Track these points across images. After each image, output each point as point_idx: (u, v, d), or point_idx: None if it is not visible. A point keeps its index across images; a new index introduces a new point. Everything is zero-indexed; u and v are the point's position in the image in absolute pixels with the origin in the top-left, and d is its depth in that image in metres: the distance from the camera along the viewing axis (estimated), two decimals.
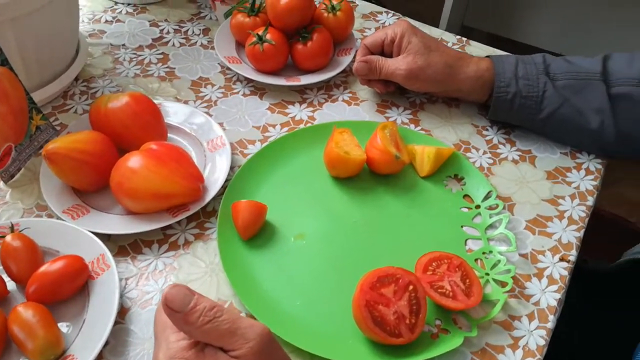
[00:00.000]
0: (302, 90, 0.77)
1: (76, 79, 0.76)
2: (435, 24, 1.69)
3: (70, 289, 0.51)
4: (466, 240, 0.60)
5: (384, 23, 0.89)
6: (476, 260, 0.59)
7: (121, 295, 0.53)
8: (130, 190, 0.56)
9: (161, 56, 0.81)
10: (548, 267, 0.59)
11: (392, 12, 0.92)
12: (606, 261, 0.75)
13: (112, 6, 0.89)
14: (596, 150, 0.69)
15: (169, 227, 0.59)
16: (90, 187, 0.60)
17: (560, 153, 0.70)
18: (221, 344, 0.35)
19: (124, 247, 0.58)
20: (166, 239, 0.59)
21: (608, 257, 0.78)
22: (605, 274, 0.71)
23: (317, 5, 0.79)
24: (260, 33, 0.73)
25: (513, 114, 0.68)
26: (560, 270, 0.59)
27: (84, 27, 0.84)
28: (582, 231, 0.63)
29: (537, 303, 0.56)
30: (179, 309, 0.34)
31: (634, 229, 1.25)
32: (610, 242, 0.84)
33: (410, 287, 0.51)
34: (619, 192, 1.82)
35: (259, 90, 0.76)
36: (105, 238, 0.57)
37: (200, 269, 0.57)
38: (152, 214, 0.58)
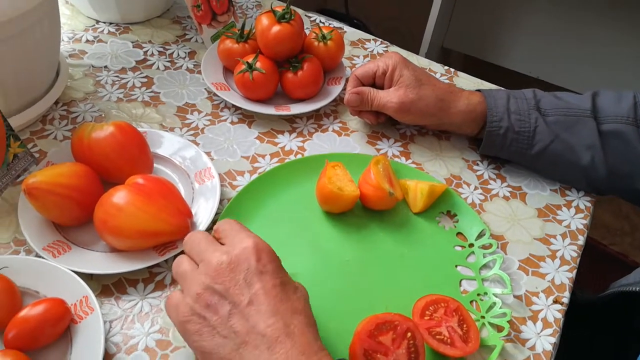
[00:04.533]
0: (291, 119, 0.75)
1: (56, 102, 0.72)
2: (416, 44, 1.71)
3: (52, 335, 0.48)
4: (461, 281, 0.60)
5: (372, 51, 0.89)
6: (471, 302, 0.58)
7: (106, 340, 0.50)
8: (115, 228, 0.53)
9: (145, 80, 0.78)
10: (542, 309, 0.58)
11: (380, 40, 0.91)
12: (589, 290, 0.76)
13: (94, 25, 0.86)
14: (586, 186, 0.70)
15: (156, 265, 0.57)
16: (73, 222, 0.57)
17: (550, 190, 0.70)
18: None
19: (107, 286, 0.55)
20: (152, 277, 0.56)
21: (583, 281, 0.78)
22: (592, 305, 0.71)
23: (308, 34, 0.78)
24: (250, 61, 0.71)
25: (505, 148, 0.68)
26: (555, 313, 0.58)
27: (64, 46, 0.81)
28: (575, 272, 0.63)
29: (532, 348, 0.55)
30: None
31: (608, 252, 1.27)
32: (586, 265, 0.85)
33: (409, 334, 0.49)
34: (593, 215, 1.86)
35: (248, 118, 0.74)
36: (88, 277, 0.54)
37: None
38: (138, 251, 0.55)
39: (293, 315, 0.42)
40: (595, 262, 1.07)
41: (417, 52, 1.73)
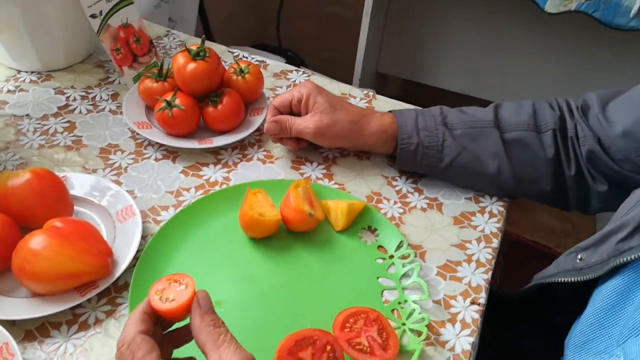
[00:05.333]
0: (216, 151, 0.77)
1: None
2: (350, 72, 1.77)
3: None
4: (382, 292, 0.62)
5: (294, 81, 0.92)
6: (392, 310, 0.60)
7: None
8: (34, 273, 0.54)
9: (67, 124, 0.79)
10: (460, 311, 0.61)
11: (303, 69, 0.95)
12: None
13: (15, 75, 0.87)
14: (497, 192, 0.74)
15: (79, 306, 0.57)
16: None
17: (465, 198, 0.74)
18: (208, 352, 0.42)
19: (30, 331, 0.55)
20: (75, 318, 0.57)
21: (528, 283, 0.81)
22: (514, 299, 0.74)
23: (227, 69, 0.80)
24: (168, 99, 0.73)
25: (417, 163, 0.72)
26: (472, 314, 0.61)
27: None
28: (490, 273, 0.66)
29: (452, 349, 0.58)
30: (205, 308, 0.44)
31: (551, 253, 1.32)
32: (529, 267, 0.89)
33: (328, 348, 0.51)
34: (536, 219, 1.93)
35: (172, 153, 0.76)
36: (11, 323, 0.54)
37: (113, 348, 0.55)
38: (59, 294, 0.56)
39: None
40: (544, 264, 1.13)
41: (351, 79, 1.79)
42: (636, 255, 0.51)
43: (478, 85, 1.85)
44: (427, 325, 0.58)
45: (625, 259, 0.52)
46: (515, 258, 1.69)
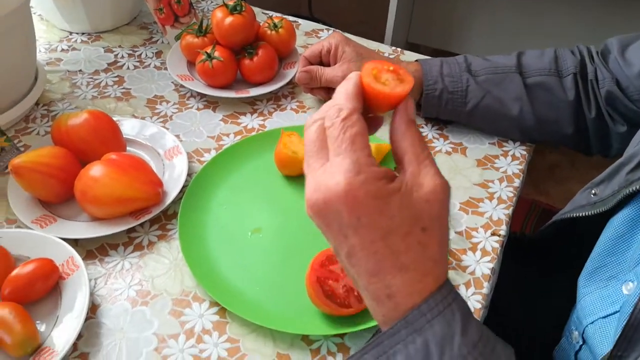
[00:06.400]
0: (252, 101, 0.83)
1: (36, 103, 0.80)
2: (381, 41, 1.80)
3: (43, 289, 0.55)
4: None
5: None
6: None
7: (91, 294, 0.57)
8: (94, 198, 0.60)
9: (117, 79, 0.86)
10: (481, 241, 0.66)
11: (333, 29, 0.99)
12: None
13: (67, 36, 0.94)
14: (519, 135, 0.77)
15: (133, 230, 0.64)
16: (56, 198, 0.64)
17: (489, 143, 0.78)
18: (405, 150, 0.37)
19: (91, 251, 0.62)
20: (131, 241, 0.63)
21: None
22: (535, 239, 0.78)
23: (261, 24, 0.85)
24: (208, 51, 0.79)
25: (442, 109, 0.75)
26: (493, 244, 0.65)
27: (40, 56, 0.89)
28: (511, 209, 0.70)
29: (472, 273, 0.62)
30: (412, 116, 0.37)
31: None
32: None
33: None
34: (567, 189, 1.93)
35: (212, 104, 0.82)
36: (73, 244, 0.61)
37: (164, 265, 0.61)
38: (116, 218, 0.62)
39: None
40: None
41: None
42: None
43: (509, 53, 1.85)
44: (449, 252, 0.62)
45: (634, 188, 0.55)
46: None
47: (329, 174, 0.35)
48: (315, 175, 0.37)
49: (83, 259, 0.60)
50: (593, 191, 0.64)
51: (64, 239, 0.59)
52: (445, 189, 0.36)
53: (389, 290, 0.36)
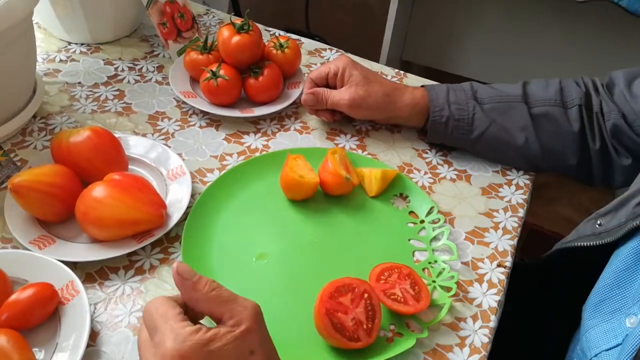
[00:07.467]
0: (256, 121, 0.82)
1: (34, 116, 0.78)
2: (376, 60, 1.80)
3: (42, 315, 0.53)
4: (414, 252, 0.66)
5: (328, 58, 0.96)
6: (424, 269, 0.64)
7: (91, 320, 0.55)
8: (96, 219, 0.59)
9: (117, 92, 0.84)
10: (487, 272, 0.65)
11: (336, 48, 0.99)
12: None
13: (66, 46, 0.92)
14: (524, 165, 0.77)
15: (134, 253, 0.62)
16: (56, 218, 0.62)
17: (493, 171, 0.78)
18: (222, 311, 0.41)
19: (91, 274, 0.60)
20: (132, 264, 0.61)
21: None
22: (537, 266, 0.78)
23: (266, 44, 0.85)
24: (214, 69, 0.78)
25: (448, 135, 0.75)
26: (499, 275, 0.65)
27: (39, 66, 0.86)
28: (516, 239, 0.70)
29: (479, 305, 0.62)
30: (188, 277, 0.41)
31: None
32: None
33: (366, 295, 0.55)
34: (555, 210, 1.95)
35: (215, 122, 0.81)
36: (72, 267, 0.59)
37: (166, 291, 0.59)
38: (118, 241, 0.61)
39: None
40: None
41: None
42: None
43: (502, 75, 1.87)
44: (456, 283, 0.61)
45: None
46: (534, 247, 1.72)
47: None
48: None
49: (82, 282, 0.58)
50: (599, 222, 0.64)
51: (63, 261, 0.57)
52: (255, 315, 0.42)
53: None
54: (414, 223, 0.69)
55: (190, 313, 0.43)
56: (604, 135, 0.72)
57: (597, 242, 0.62)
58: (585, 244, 0.64)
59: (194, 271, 0.42)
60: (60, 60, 0.89)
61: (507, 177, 0.77)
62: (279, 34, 0.99)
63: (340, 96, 0.76)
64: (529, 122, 0.73)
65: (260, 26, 0.99)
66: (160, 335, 0.40)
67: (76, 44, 0.93)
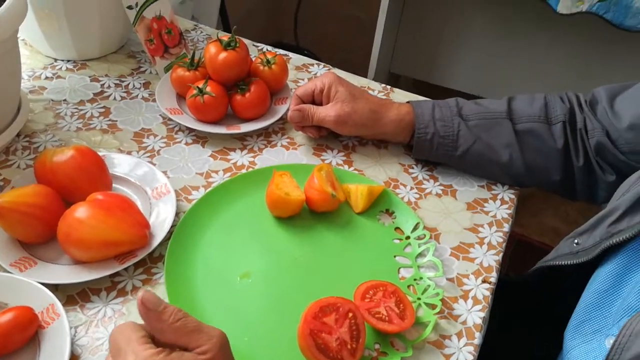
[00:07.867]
0: (242, 137, 0.81)
1: (18, 134, 0.77)
2: (364, 72, 1.81)
3: (21, 340, 0.52)
4: (399, 269, 0.66)
5: (315, 74, 0.96)
6: (409, 286, 0.64)
7: (72, 343, 0.54)
8: (78, 240, 0.58)
9: (103, 110, 0.83)
10: (472, 289, 0.65)
11: (323, 63, 0.99)
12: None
13: (52, 63, 0.92)
14: (508, 180, 0.77)
15: (117, 274, 0.61)
16: (38, 239, 0.61)
17: (478, 186, 0.78)
18: (188, 341, 0.40)
19: (72, 296, 0.59)
20: (114, 285, 0.61)
21: None
22: (521, 282, 0.78)
23: (253, 60, 0.85)
24: (200, 86, 0.78)
25: (433, 152, 0.75)
26: (483, 292, 0.65)
27: (24, 83, 0.86)
28: (501, 255, 0.70)
29: (464, 322, 0.62)
30: (153, 307, 0.40)
31: None
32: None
33: (350, 315, 0.55)
34: (542, 221, 1.96)
35: (201, 139, 0.81)
36: (54, 289, 0.58)
37: None
38: (99, 262, 0.60)
39: None
40: None
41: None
42: (625, 237, 0.54)
43: (489, 87, 1.88)
44: (441, 300, 0.61)
45: (615, 241, 0.56)
46: (522, 258, 1.72)
47: None
48: None
49: (63, 305, 0.58)
50: (576, 240, 0.64)
51: (45, 284, 0.57)
52: (220, 344, 0.42)
53: None
54: (400, 239, 0.69)
55: (158, 343, 0.42)
56: (588, 152, 0.73)
57: (575, 261, 0.62)
58: (563, 262, 0.64)
59: (160, 300, 0.41)
60: (46, 77, 0.89)
61: (493, 192, 0.77)
62: (267, 50, 0.99)
63: (326, 113, 0.77)
64: (513, 139, 0.74)
65: (247, 41, 0.99)
66: (122, 357, 0.39)
67: (62, 60, 0.92)
